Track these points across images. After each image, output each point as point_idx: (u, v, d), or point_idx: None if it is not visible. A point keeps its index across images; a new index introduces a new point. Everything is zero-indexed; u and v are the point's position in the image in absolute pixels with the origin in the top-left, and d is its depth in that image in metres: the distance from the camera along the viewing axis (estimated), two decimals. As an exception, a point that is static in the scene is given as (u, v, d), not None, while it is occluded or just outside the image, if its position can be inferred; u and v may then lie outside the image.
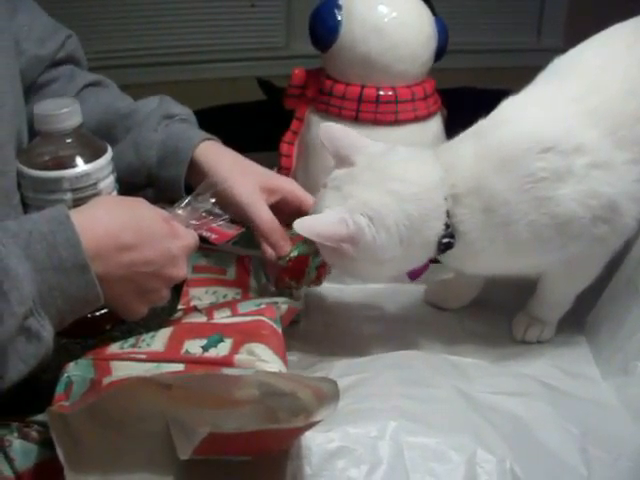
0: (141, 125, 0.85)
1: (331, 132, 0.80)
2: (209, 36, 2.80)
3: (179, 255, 0.68)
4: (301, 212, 0.81)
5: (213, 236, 1.06)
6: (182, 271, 0.69)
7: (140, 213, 0.67)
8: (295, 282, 0.85)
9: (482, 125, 0.79)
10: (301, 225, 0.71)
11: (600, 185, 0.73)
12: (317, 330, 0.88)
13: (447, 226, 0.76)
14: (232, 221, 1.12)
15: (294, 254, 0.83)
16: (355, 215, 0.72)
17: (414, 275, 0.82)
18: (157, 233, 0.66)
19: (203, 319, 0.75)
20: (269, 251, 0.84)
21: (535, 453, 0.61)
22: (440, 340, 0.86)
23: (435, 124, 0.99)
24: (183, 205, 0.74)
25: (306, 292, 0.91)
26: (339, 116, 0.96)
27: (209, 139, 0.86)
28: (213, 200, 0.76)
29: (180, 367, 0.60)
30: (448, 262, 0.79)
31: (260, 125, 1.48)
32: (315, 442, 0.58)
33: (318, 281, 0.87)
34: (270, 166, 1.15)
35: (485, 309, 0.92)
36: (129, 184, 0.81)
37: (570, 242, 0.75)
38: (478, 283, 0.91)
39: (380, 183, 0.74)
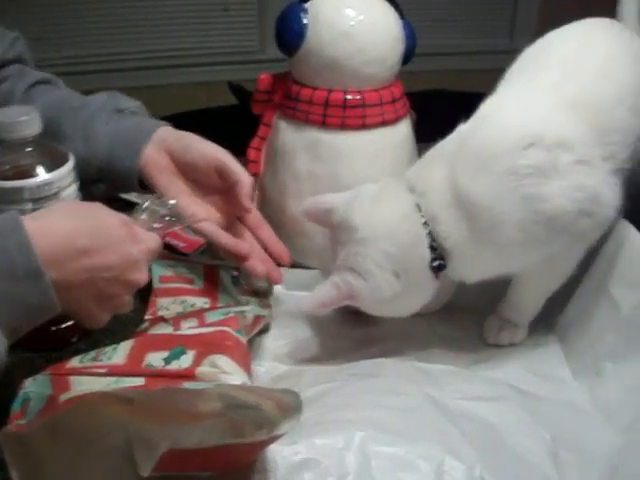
0: (91, 119, 0.85)
1: (308, 209, 0.85)
2: (182, 40, 2.80)
3: (140, 259, 0.67)
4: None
5: (181, 244, 1.06)
6: (144, 275, 0.68)
7: (98, 217, 0.65)
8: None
9: (455, 135, 0.79)
10: (306, 303, 0.76)
11: (584, 178, 0.73)
12: (285, 340, 0.87)
13: (434, 249, 0.75)
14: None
15: None
16: (342, 274, 0.75)
17: None
18: (116, 237, 0.65)
19: (170, 329, 0.73)
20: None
21: (505, 459, 0.60)
22: (411, 347, 0.85)
23: (404, 128, 0.99)
24: (144, 208, 0.72)
25: (275, 301, 0.90)
26: (306, 121, 0.95)
27: (163, 126, 0.87)
28: (174, 202, 0.74)
29: (140, 381, 0.59)
30: (453, 276, 0.79)
31: (232, 130, 1.48)
32: (281, 455, 0.57)
33: None
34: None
35: (456, 313, 0.91)
36: (79, 179, 0.80)
37: (555, 238, 0.75)
38: (450, 288, 0.91)
39: (352, 235, 0.76)
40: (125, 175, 0.85)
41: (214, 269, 0.93)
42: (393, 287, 0.75)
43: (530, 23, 2.80)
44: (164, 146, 0.85)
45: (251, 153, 1.02)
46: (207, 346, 0.63)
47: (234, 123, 1.50)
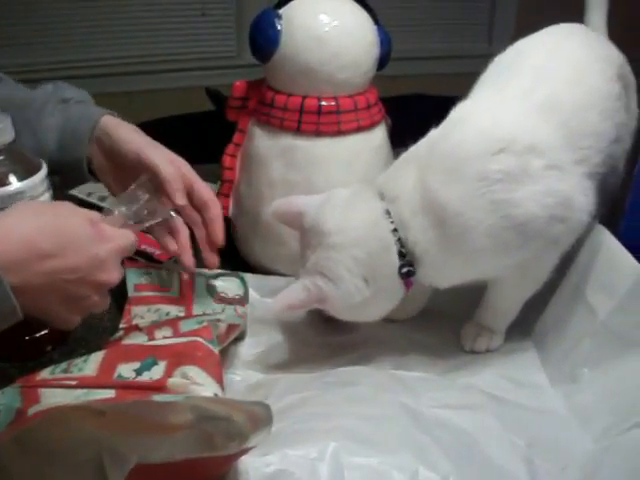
0: (38, 113, 0.84)
1: (278, 210, 0.84)
2: (160, 46, 2.78)
3: (108, 258, 0.65)
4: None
5: (157, 252, 1.05)
6: (114, 275, 0.67)
7: (61, 217, 0.64)
8: None
9: (426, 140, 0.79)
10: (276, 304, 0.74)
11: (556, 183, 0.73)
12: (260, 348, 0.86)
13: (403, 255, 0.75)
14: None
15: None
16: (312, 277, 0.75)
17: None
18: (81, 237, 0.63)
19: (144, 339, 0.72)
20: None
21: (480, 468, 0.60)
22: (387, 354, 0.85)
23: (379, 134, 0.98)
24: (115, 204, 0.72)
25: (249, 308, 0.89)
26: (281, 127, 0.94)
27: (109, 114, 0.86)
28: (147, 196, 0.75)
29: (111, 393, 0.58)
30: (422, 282, 0.79)
31: (209, 136, 1.47)
32: (253, 466, 0.56)
33: None
34: (217, 178, 1.14)
35: (432, 320, 0.91)
36: None
37: (527, 243, 0.75)
38: (426, 295, 0.91)
39: (322, 240, 0.76)
40: (75, 165, 0.84)
41: (190, 277, 0.92)
42: (362, 292, 0.75)
43: (508, 28, 2.82)
44: (100, 136, 0.85)
45: (226, 160, 1.01)
46: (178, 357, 0.62)
47: (211, 129, 1.49)
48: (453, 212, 0.72)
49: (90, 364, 0.63)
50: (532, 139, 0.73)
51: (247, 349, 0.86)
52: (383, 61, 0.97)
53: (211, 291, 0.92)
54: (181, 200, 0.82)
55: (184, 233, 0.86)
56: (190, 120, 1.94)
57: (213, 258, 0.88)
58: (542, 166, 0.72)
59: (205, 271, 0.96)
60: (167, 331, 0.75)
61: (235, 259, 1.03)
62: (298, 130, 0.93)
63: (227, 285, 0.94)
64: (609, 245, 0.80)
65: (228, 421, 0.52)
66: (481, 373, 0.82)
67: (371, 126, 0.96)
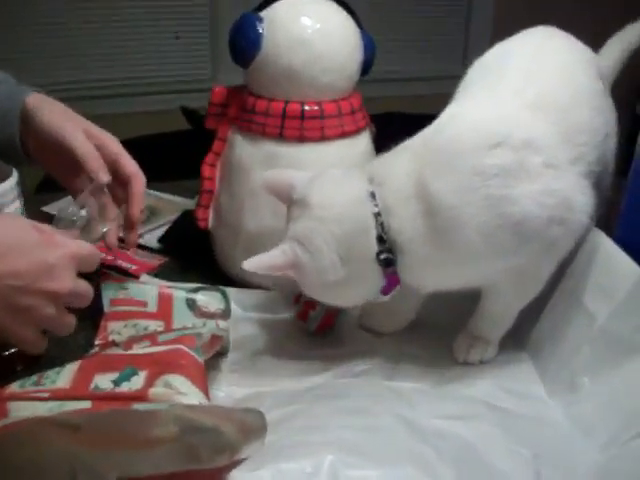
0: None
1: (269, 181, 0.82)
2: (133, 69, 2.75)
3: (57, 266, 0.61)
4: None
5: (133, 267, 1.01)
6: (64, 284, 0.61)
7: (5, 222, 0.61)
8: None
9: (421, 134, 0.76)
10: (250, 263, 0.72)
11: (554, 182, 0.70)
12: (244, 363, 0.82)
13: (383, 241, 0.72)
14: (153, 251, 1.07)
15: None
16: (290, 243, 0.73)
17: (386, 290, 0.79)
18: (26, 241, 0.59)
19: (120, 352, 0.68)
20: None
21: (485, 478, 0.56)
22: (378, 366, 0.81)
23: (364, 140, 0.95)
24: (64, 214, 0.68)
25: (232, 323, 0.85)
26: (263, 134, 0.91)
27: (35, 91, 0.85)
28: (94, 204, 0.75)
29: (87, 405, 0.53)
30: (404, 279, 0.76)
31: (185, 154, 1.44)
32: (244, 482, 0.51)
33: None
34: (194, 193, 1.10)
35: (423, 331, 0.87)
36: None
37: (522, 246, 0.71)
38: (415, 305, 0.87)
39: (307, 212, 0.74)
40: (6, 145, 0.82)
41: (169, 291, 0.88)
42: (337, 271, 0.72)
43: (482, 49, 2.83)
44: (26, 117, 0.82)
45: (205, 170, 0.97)
46: (160, 366, 0.58)
47: (188, 148, 1.46)
48: (446, 205, 0.69)
49: (63, 375, 0.58)
50: (529, 135, 0.71)
51: (230, 364, 0.82)
52: (367, 65, 0.94)
53: (191, 305, 0.88)
54: (103, 177, 0.80)
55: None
56: (165, 139, 1.90)
57: (130, 237, 0.86)
58: (540, 163, 0.70)
59: (184, 285, 0.92)
60: (146, 344, 0.70)
61: (215, 273, 0.99)
62: (281, 136, 0.90)
63: (208, 299, 0.90)
64: (606, 248, 0.77)
65: (216, 432, 0.47)
66: (476, 384, 0.78)
67: (356, 132, 0.93)
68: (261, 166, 0.91)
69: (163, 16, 2.79)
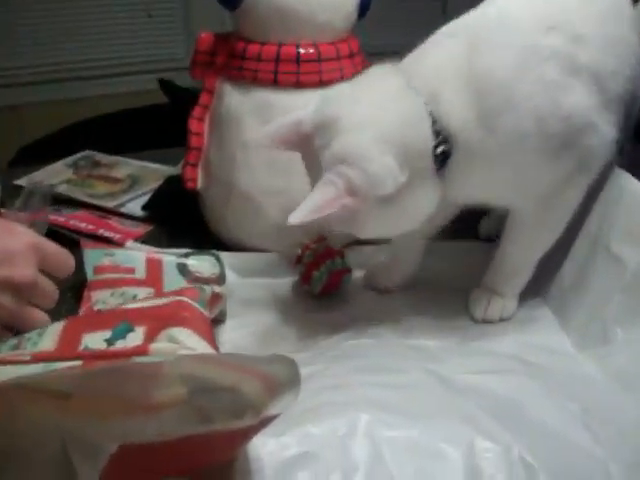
0: None
1: (271, 133, 0.71)
2: (104, 49, 2.66)
3: (18, 253, 0.56)
4: None
5: (116, 236, 0.93)
6: (24, 272, 0.56)
7: None
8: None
9: (458, 22, 0.70)
10: (296, 216, 0.60)
11: (594, 89, 0.66)
12: (245, 330, 0.74)
13: (438, 134, 0.65)
14: (137, 219, 0.99)
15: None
16: (334, 169, 0.62)
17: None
18: None
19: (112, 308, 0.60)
20: None
21: (540, 437, 0.49)
22: (393, 327, 0.74)
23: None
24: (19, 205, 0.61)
25: (227, 291, 0.77)
26: (254, 81, 0.83)
27: None
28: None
29: (77, 364, 0.45)
30: (450, 187, 0.68)
31: (164, 127, 1.37)
32: (266, 450, 0.44)
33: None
34: (177, 161, 1.03)
35: (434, 291, 0.81)
36: None
37: (566, 147, 0.67)
38: (417, 258, 0.82)
39: (339, 127, 0.64)
40: None
41: (158, 257, 0.80)
42: (395, 176, 0.62)
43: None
44: None
45: (193, 124, 0.89)
46: (161, 320, 0.50)
47: (167, 120, 1.40)
48: (499, 80, 0.64)
49: (47, 337, 0.50)
50: (580, 30, 0.66)
51: (231, 331, 0.74)
52: (364, 6, 0.87)
53: (183, 271, 0.80)
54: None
55: None
56: (142, 113, 1.82)
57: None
58: (585, 64, 0.65)
59: (174, 250, 0.84)
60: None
61: (206, 238, 0.92)
62: (275, 82, 0.82)
63: (200, 264, 0.82)
64: (633, 189, 0.71)
65: (233, 392, 0.40)
66: (501, 340, 0.72)
67: (355, 77, 0.86)
68: (253, 116, 0.84)
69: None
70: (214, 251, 0.84)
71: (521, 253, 0.76)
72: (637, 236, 0.69)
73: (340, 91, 0.68)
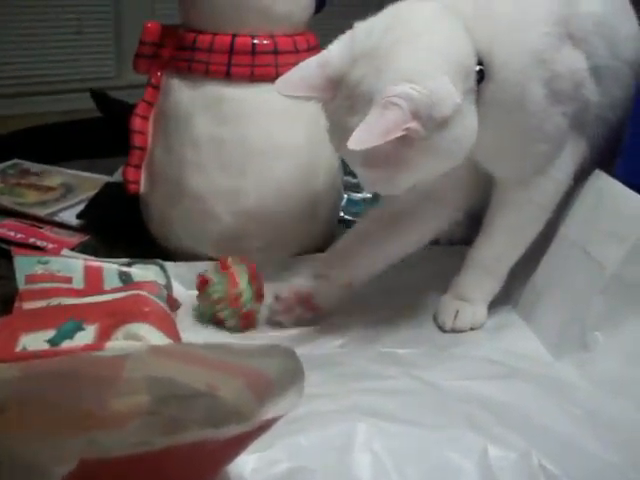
0: None
1: (287, 82, 0.63)
2: (31, 67, 2.55)
3: None
4: None
5: (49, 246, 0.85)
6: None
7: None
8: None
9: None
10: (359, 141, 0.53)
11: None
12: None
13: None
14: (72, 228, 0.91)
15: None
16: (395, 91, 0.56)
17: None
18: None
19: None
20: None
21: (555, 443, 0.44)
22: (361, 335, 0.68)
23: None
24: None
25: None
26: (206, 74, 0.77)
27: None
28: None
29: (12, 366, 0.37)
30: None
31: (98, 139, 1.30)
32: (249, 467, 0.37)
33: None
34: (112, 171, 0.98)
35: (401, 299, 0.76)
36: None
37: (563, 99, 0.66)
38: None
39: (391, 49, 0.59)
40: None
41: (97, 264, 0.73)
42: (453, 97, 0.57)
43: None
44: None
45: (136, 122, 0.82)
46: (117, 316, 0.43)
47: (100, 133, 1.32)
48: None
49: (-23, 341, 0.42)
50: None
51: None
52: (321, 1, 0.82)
53: (126, 280, 0.72)
54: None
55: None
56: (75, 126, 1.73)
57: None
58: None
59: (115, 259, 0.76)
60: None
61: (146, 247, 0.84)
62: (228, 75, 0.77)
63: (145, 273, 0.74)
64: (610, 189, 0.69)
65: (210, 398, 0.33)
66: (476, 348, 0.68)
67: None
68: (204, 113, 0.78)
69: (63, 9, 2.60)
70: (158, 260, 0.77)
71: (497, 253, 0.73)
72: (616, 236, 0.66)
73: (372, 25, 0.62)
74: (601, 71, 0.69)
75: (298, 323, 0.71)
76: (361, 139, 0.53)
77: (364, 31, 0.61)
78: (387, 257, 0.74)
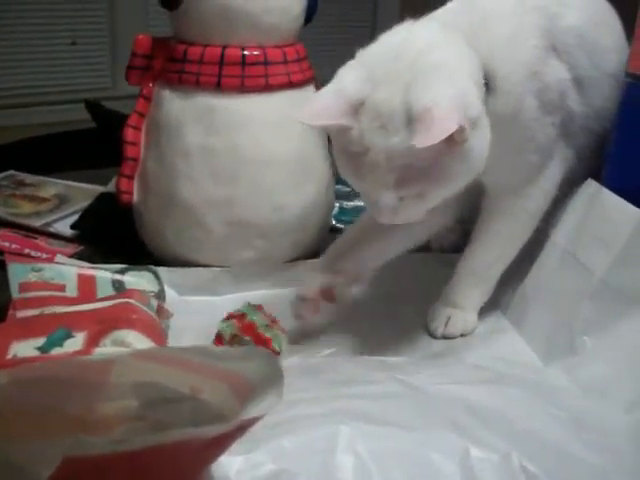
0: None
1: (316, 107, 0.61)
2: (25, 77, 2.56)
3: None
4: None
5: (44, 256, 0.86)
6: None
7: None
8: None
9: None
10: (421, 140, 0.53)
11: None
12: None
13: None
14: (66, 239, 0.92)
15: None
16: (435, 94, 0.56)
17: None
18: None
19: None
20: None
21: (537, 445, 0.45)
22: (349, 345, 0.69)
23: (311, 94, 0.84)
24: None
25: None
26: (196, 85, 0.78)
27: None
28: None
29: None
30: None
31: (92, 150, 1.31)
32: (234, 468, 0.37)
33: None
34: (107, 180, 0.99)
35: (392, 307, 0.77)
36: None
37: (552, 109, 0.68)
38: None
39: (412, 67, 0.59)
40: None
41: (90, 272, 0.73)
42: (478, 99, 0.59)
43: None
44: None
45: (128, 133, 0.83)
46: (105, 323, 0.43)
47: (94, 143, 1.34)
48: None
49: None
50: None
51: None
52: (311, 11, 0.84)
53: (119, 288, 0.73)
54: None
55: None
56: (70, 137, 1.74)
57: None
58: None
59: (108, 266, 0.77)
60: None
61: (140, 256, 0.84)
62: (218, 86, 0.78)
63: (137, 280, 0.75)
64: (600, 196, 0.70)
65: (193, 401, 0.33)
66: (466, 354, 0.68)
67: (303, 82, 0.82)
68: (195, 123, 0.79)
69: (58, 21, 2.61)
70: (152, 267, 0.78)
71: (488, 261, 0.73)
72: (604, 242, 0.67)
73: (380, 50, 0.62)
74: (583, 82, 0.70)
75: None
76: (424, 138, 0.53)
77: (375, 56, 0.61)
78: (389, 251, 0.76)
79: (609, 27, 0.75)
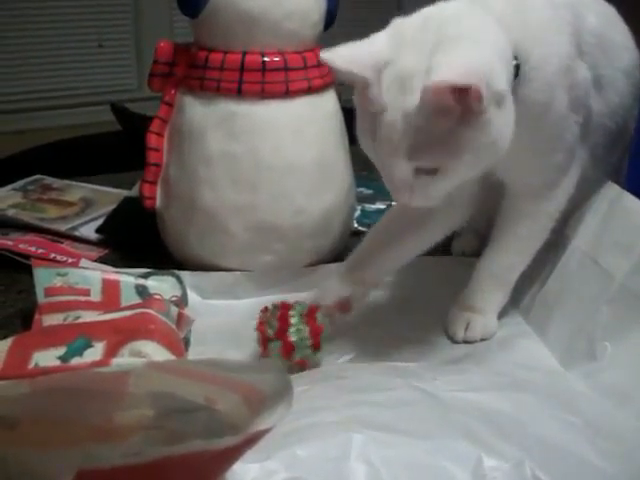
0: None
1: (343, 53, 0.60)
2: (53, 80, 2.60)
3: None
4: None
5: (69, 260, 0.87)
6: None
7: None
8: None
9: None
10: (441, 76, 0.53)
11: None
12: (213, 352, 0.68)
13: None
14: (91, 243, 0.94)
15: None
16: (458, 57, 0.57)
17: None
18: None
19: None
20: None
21: (549, 453, 0.45)
22: (371, 351, 0.69)
23: (332, 98, 0.84)
24: None
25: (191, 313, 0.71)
26: (217, 91, 0.79)
27: None
28: None
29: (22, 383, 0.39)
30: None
31: (118, 153, 1.33)
32: (249, 476, 0.38)
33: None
34: (132, 185, 0.98)
35: (411, 311, 0.77)
36: None
37: (575, 107, 0.67)
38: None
39: (439, 39, 0.59)
40: None
41: (115, 277, 0.74)
42: (504, 75, 0.59)
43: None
44: None
45: (151, 139, 0.84)
46: (124, 333, 0.44)
47: (120, 147, 1.36)
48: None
49: (-9, 358, 0.44)
50: None
51: (194, 357, 0.68)
52: (331, 15, 0.84)
53: (142, 292, 0.74)
54: None
55: None
56: (96, 140, 1.77)
57: None
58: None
59: (132, 270, 0.78)
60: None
61: (164, 260, 0.85)
62: (239, 93, 0.78)
63: (160, 285, 0.76)
64: (620, 200, 0.70)
65: (208, 412, 0.34)
66: (485, 360, 0.68)
67: (323, 87, 0.82)
68: (216, 129, 0.80)
69: (85, 23, 2.64)
70: (175, 271, 0.79)
71: (507, 263, 0.73)
72: (624, 247, 0.66)
73: (411, 22, 0.62)
74: (601, 80, 0.70)
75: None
76: (438, 76, 0.54)
77: (406, 24, 0.61)
78: (406, 253, 0.76)
79: (618, 25, 0.76)
